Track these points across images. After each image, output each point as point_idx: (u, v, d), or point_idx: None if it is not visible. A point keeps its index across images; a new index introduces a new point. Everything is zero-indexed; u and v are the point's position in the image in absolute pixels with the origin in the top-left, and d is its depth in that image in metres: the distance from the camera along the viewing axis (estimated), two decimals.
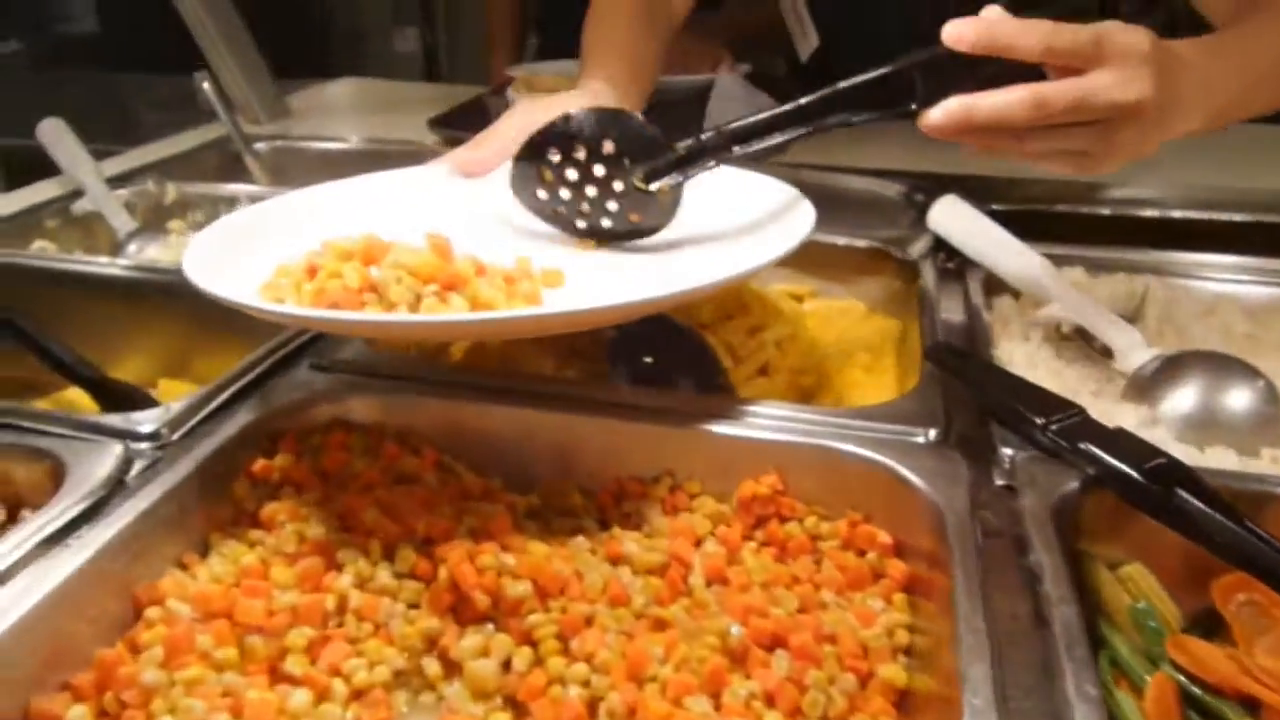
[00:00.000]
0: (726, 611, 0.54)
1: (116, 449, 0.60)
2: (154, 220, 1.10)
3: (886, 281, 0.92)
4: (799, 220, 0.73)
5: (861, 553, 0.59)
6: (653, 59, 1.00)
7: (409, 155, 1.34)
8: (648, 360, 0.78)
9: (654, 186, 0.73)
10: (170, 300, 0.88)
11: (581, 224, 0.76)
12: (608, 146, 0.73)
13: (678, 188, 0.73)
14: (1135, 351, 0.75)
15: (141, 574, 0.55)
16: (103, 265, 0.91)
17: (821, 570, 0.58)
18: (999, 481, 0.58)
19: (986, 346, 0.74)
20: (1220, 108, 0.68)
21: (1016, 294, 0.87)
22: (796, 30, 1.53)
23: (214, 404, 0.67)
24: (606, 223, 0.75)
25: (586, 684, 0.51)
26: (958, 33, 0.58)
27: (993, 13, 0.60)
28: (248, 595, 0.54)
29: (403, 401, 0.68)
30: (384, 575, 0.57)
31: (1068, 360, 0.80)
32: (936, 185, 1.04)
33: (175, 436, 0.63)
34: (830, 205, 1.02)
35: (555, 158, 0.75)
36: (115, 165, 1.25)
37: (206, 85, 1.31)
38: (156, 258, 1.02)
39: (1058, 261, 0.85)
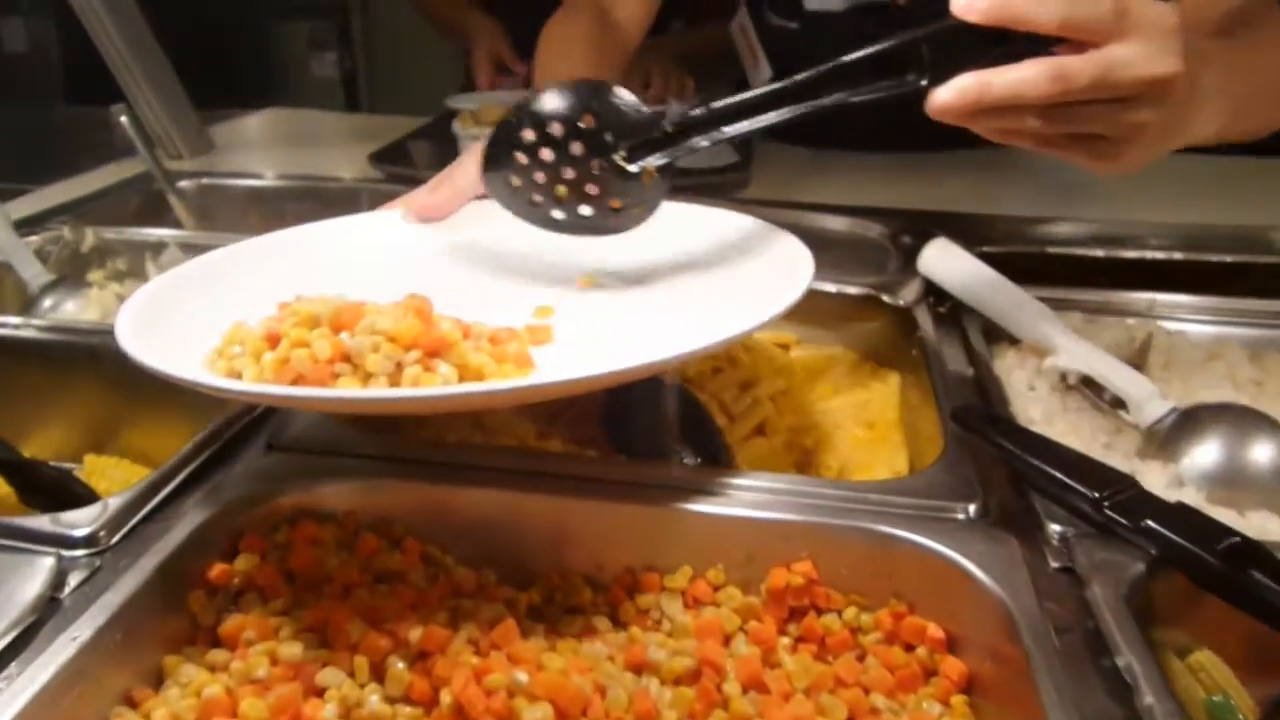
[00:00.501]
0: None
1: (46, 562, 0.51)
2: (71, 270, 0.99)
3: (878, 328, 0.87)
4: (799, 268, 0.67)
5: (909, 647, 0.54)
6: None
7: (348, 194, 1.26)
8: (641, 424, 0.72)
9: (636, 167, 0.66)
10: (95, 364, 0.79)
11: (558, 214, 0.69)
12: (586, 120, 0.66)
13: (664, 173, 0.67)
14: (1151, 404, 0.72)
15: (81, 716, 0.46)
16: (14, 325, 0.80)
17: (867, 670, 0.52)
18: (1054, 564, 0.53)
19: (1004, 404, 0.70)
20: (1238, 107, 0.65)
21: (1014, 340, 0.83)
22: (749, 60, 1.50)
23: (158, 497, 0.58)
24: (586, 210, 0.68)
25: None
26: (968, 2, 0.53)
27: None
28: None
29: (377, 485, 0.60)
30: (374, 700, 0.49)
31: (1074, 411, 0.77)
32: (915, 224, 1.01)
33: (115, 540, 0.54)
34: (808, 247, 0.99)
35: (529, 136, 0.67)
36: (22, 207, 1.13)
37: (124, 119, 1.21)
38: (76, 314, 0.92)
39: (1054, 306, 0.82)
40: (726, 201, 1.14)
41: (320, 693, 0.49)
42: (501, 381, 0.57)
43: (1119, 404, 0.75)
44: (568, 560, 0.59)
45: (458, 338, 0.58)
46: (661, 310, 0.70)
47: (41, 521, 0.55)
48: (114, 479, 0.75)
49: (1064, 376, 0.79)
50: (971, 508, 0.57)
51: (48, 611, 0.49)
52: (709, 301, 0.69)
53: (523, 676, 0.49)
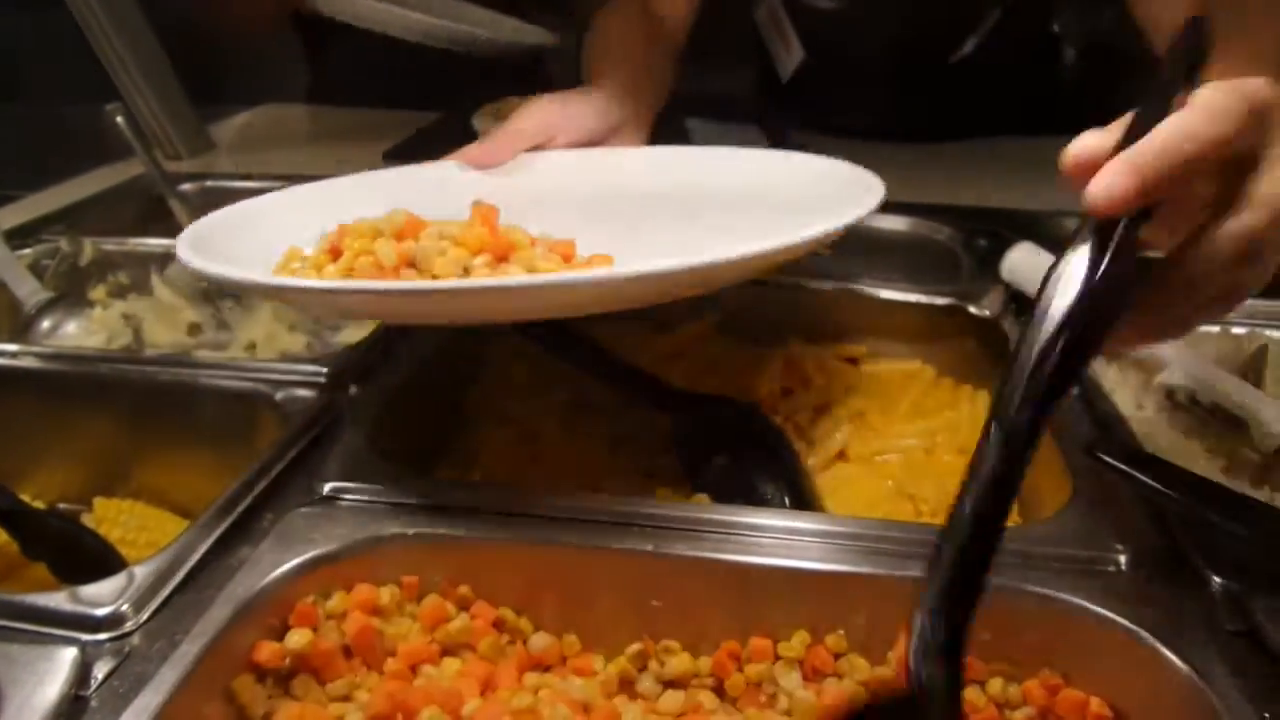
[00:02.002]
0: None
1: (67, 654, 0.43)
2: (69, 286, 0.91)
3: (958, 342, 0.80)
4: (869, 187, 0.62)
5: None
6: (659, 68, 0.91)
7: None
8: (718, 456, 0.65)
9: None
10: (103, 396, 0.71)
11: None
12: None
13: None
14: (1277, 425, 0.66)
15: None
16: (11, 354, 0.72)
17: None
18: (1228, 626, 0.46)
19: (1128, 432, 0.63)
20: None
21: (1112, 354, 0.76)
22: (777, 44, 1.42)
23: (191, 561, 0.50)
24: None
25: None
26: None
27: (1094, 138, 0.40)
28: None
29: (441, 539, 0.53)
30: None
31: (1184, 433, 0.70)
32: (983, 224, 0.94)
33: (144, 618, 0.47)
34: (869, 251, 0.92)
35: None
36: (10, 216, 1.05)
37: (120, 119, 1.12)
38: (78, 336, 0.84)
39: None
40: None
41: None
42: (584, 272, 0.51)
43: (1235, 423, 0.68)
44: (661, 624, 0.52)
45: (526, 242, 0.54)
46: (725, 234, 0.63)
47: (57, 599, 0.47)
48: (128, 526, 0.67)
49: (1171, 394, 0.72)
50: (1122, 559, 0.50)
51: (72, 714, 0.41)
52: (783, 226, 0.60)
53: None
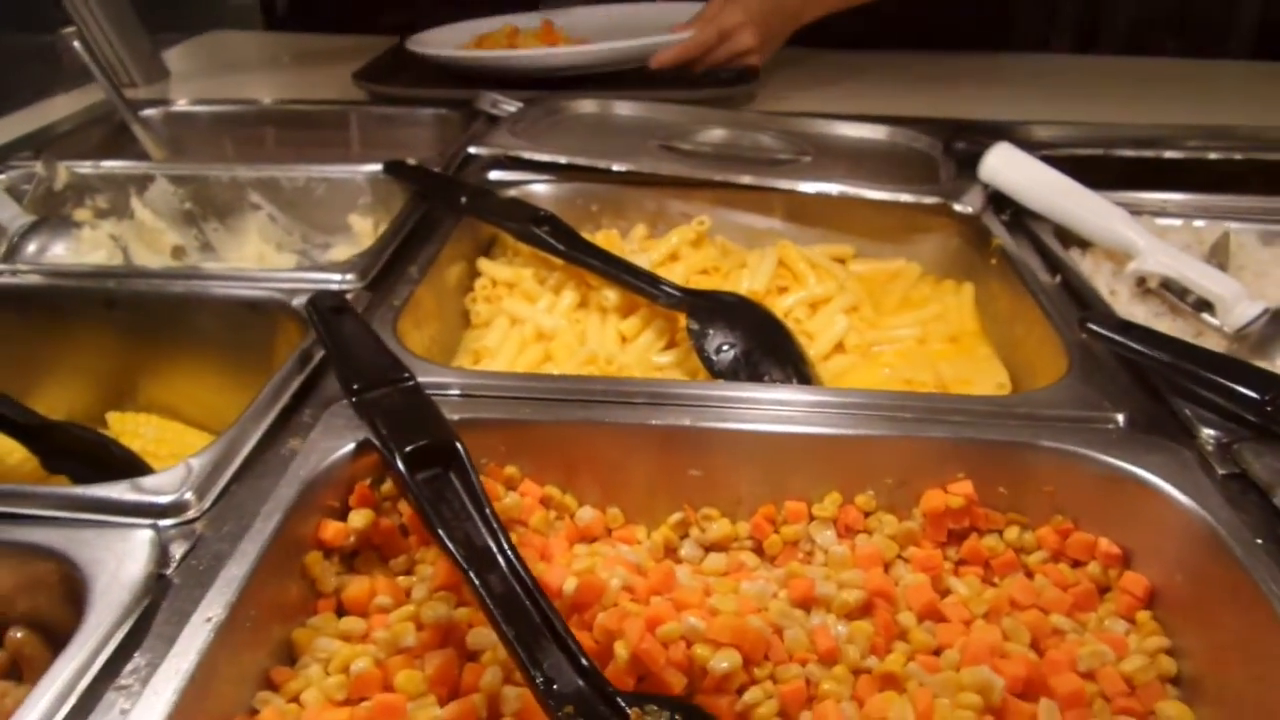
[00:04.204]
0: (962, 655, 0.45)
1: (144, 535, 0.44)
2: (47, 210, 0.89)
3: (943, 240, 0.84)
4: None
5: (1075, 564, 0.51)
6: None
7: (333, 116, 1.17)
8: (728, 346, 0.68)
9: None
10: (110, 311, 0.70)
11: None
12: None
13: None
14: (1240, 306, 0.70)
15: (227, 706, 0.41)
16: (10, 272, 0.71)
17: (1040, 591, 0.50)
18: (1220, 470, 0.51)
19: (1105, 309, 0.67)
20: None
21: (1084, 245, 0.80)
22: None
23: (242, 454, 0.52)
24: None
25: None
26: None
27: None
28: (388, 718, 0.40)
29: (484, 424, 0.55)
30: None
31: (1155, 316, 0.75)
32: (952, 131, 0.97)
33: (207, 504, 0.48)
34: (851, 159, 0.94)
35: None
36: None
37: (77, 44, 1.08)
38: (68, 257, 0.82)
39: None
40: (747, 112, 1.09)
41: (475, 655, 0.45)
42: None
43: (1202, 306, 0.73)
44: (699, 494, 0.55)
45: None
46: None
47: (120, 490, 0.48)
48: (148, 438, 0.68)
49: (1142, 280, 0.77)
50: (1120, 417, 0.55)
51: (157, 590, 0.43)
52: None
53: (698, 623, 0.45)
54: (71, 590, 0.43)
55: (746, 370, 0.66)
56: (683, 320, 0.73)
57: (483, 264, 0.81)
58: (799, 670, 0.45)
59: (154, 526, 0.45)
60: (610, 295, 0.75)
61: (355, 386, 0.52)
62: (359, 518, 0.49)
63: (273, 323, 0.68)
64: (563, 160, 0.87)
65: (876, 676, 0.45)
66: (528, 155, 0.87)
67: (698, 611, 0.46)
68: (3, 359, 0.71)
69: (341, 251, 0.92)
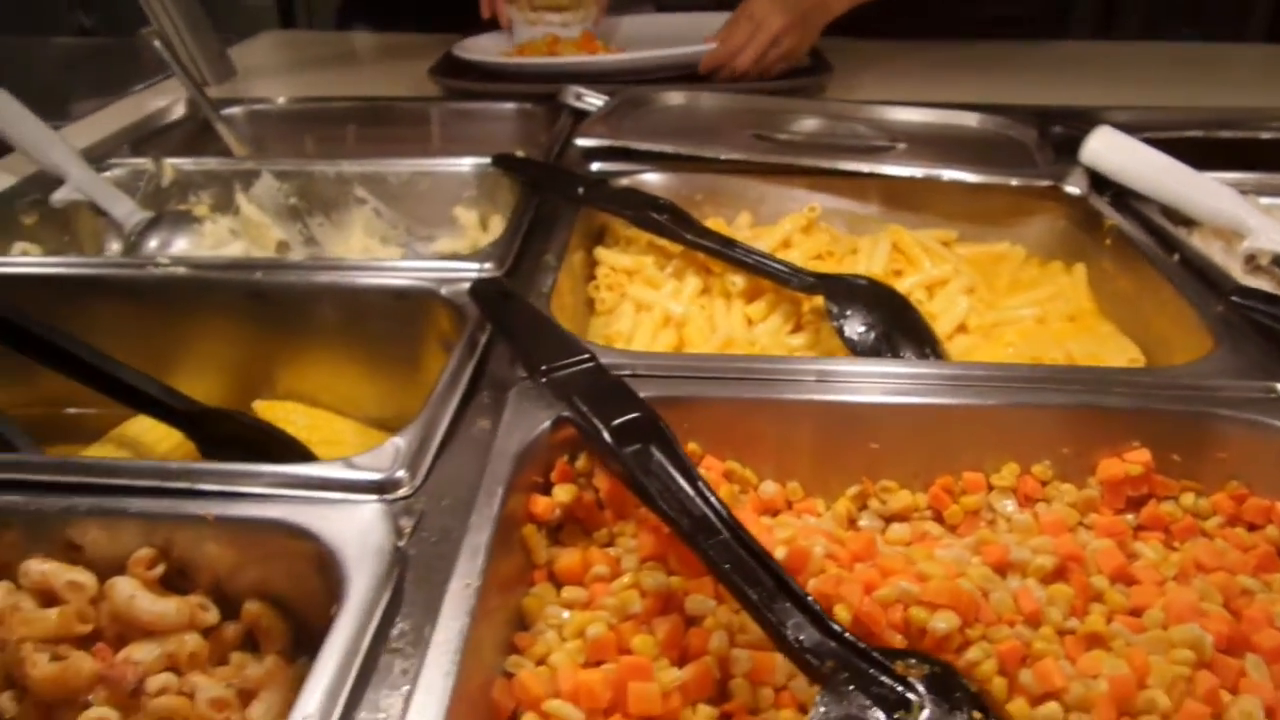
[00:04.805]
0: (1166, 614, 0.47)
1: (377, 510, 0.46)
2: (155, 207, 0.90)
3: (1048, 222, 0.86)
4: None
5: (1250, 528, 0.53)
6: None
7: (414, 113, 1.18)
8: (863, 326, 0.69)
9: None
10: (253, 303, 0.71)
11: None
12: None
13: None
14: None
15: (487, 669, 0.42)
16: (159, 267, 0.72)
17: (1223, 554, 0.51)
18: None
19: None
20: None
21: (1189, 225, 0.82)
22: None
23: (439, 435, 0.53)
24: None
25: None
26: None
27: None
28: (637, 679, 0.42)
29: (661, 402, 0.55)
30: (755, 625, 0.46)
31: None
32: (1041, 118, 0.99)
33: (420, 481, 0.49)
34: (944, 146, 0.96)
35: None
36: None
37: (158, 43, 1.10)
38: (190, 251, 0.83)
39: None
40: (830, 102, 1.11)
41: (696, 620, 0.46)
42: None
43: None
44: (872, 468, 0.56)
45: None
46: None
47: (334, 469, 0.49)
48: (299, 425, 0.69)
49: (1251, 258, 0.79)
50: (1278, 385, 0.56)
51: (405, 567, 0.44)
52: None
53: (911, 586, 0.46)
54: (315, 562, 0.44)
55: (888, 350, 0.67)
56: (808, 304, 0.75)
57: (601, 253, 0.82)
58: (1009, 631, 0.46)
59: (380, 501, 0.47)
60: (737, 280, 0.76)
61: (543, 367, 0.54)
62: (564, 492, 0.51)
63: (419, 310, 0.69)
64: (674, 150, 0.88)
65: (1082, 637, 0.47)
66: (640, 146, 0.89)
67: (907, 575, 0.47)
68: (145, 350, 0.72)
69: (446, 244, 0.93)
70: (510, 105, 1.15)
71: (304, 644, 0.47)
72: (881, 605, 0.46)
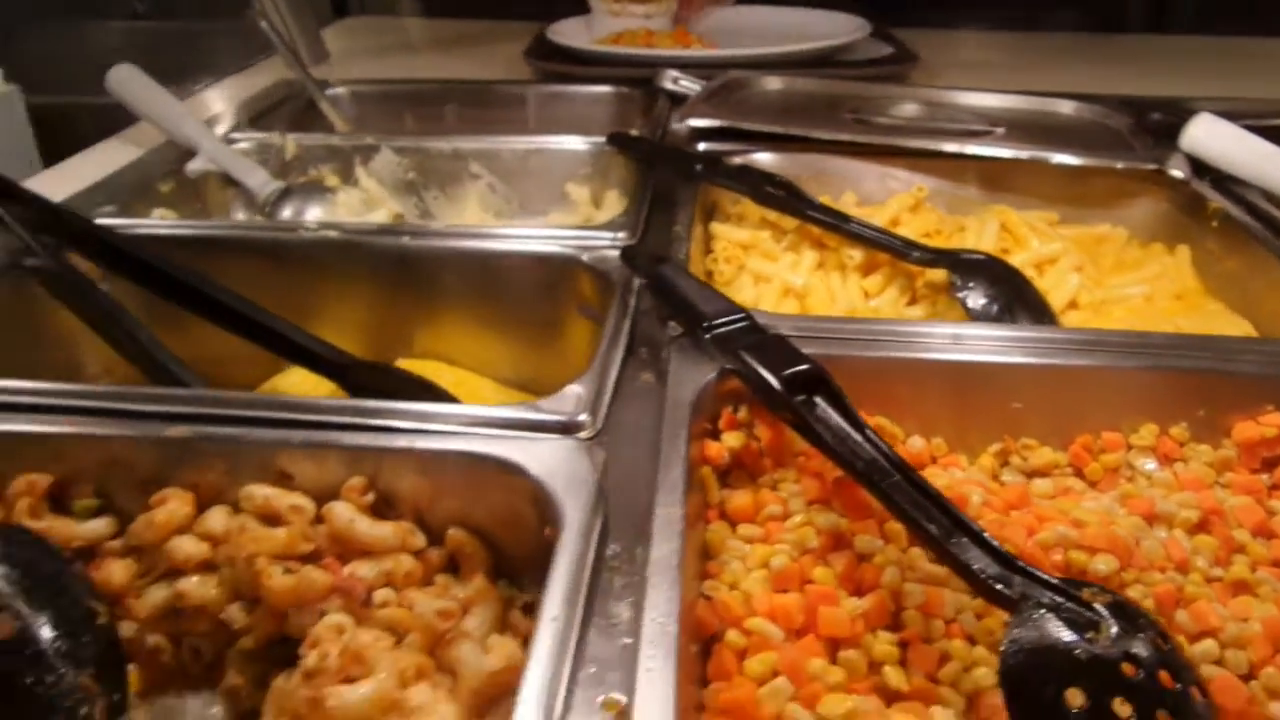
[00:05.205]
0: None
1: (574, 445, 0.49)
2: (282, 178, 0.94)
3: (1150, 205, 0.88)
4: None
5: None
6: None
7: (511, 96, 1.22)
8: (992, 299, 0.72)
9: None
10: (398, 267, 0.75)
11: None
12: None
13: None
14: None
15: (690, 591, 0.45)
16: (309, 231, 0.76)
17: None
18: None
19: None
20: None
21: None
22: None
23: (610, 384, 0.56)
24: None
25: (1219, 663, 0.46)
26: None
27: None
28: (826, 604, 0.45)
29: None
30: (924, 561, 0.49)
31: None
32: (1135, 107, 1.02)
33: (599, 425, 0.53)
34: (1040, 131, 0.99)
35: None
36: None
37: (264, 24, 1.14)
38: (323, 218, 0.87)
39: None
40: (926, 89, 1.13)
41: (867, 557, 0.49)
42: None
43: None
44: (1012, 426, 0.59)
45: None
46: None
47: (522, 410, 0.53)
48: (445, 381, 0.72)
49: None
50: None
51: (607, 502, 0.47)
52: None
53: (1069, 530, 0.49)
54: (525, 494, 0.48)
55: (1006, 321, 0.70)
56: (922, 278, 0.78)
57: (716, 227, 0.85)
58: (1162, 576, 0.49)
59: (580, 443, 0.50)
60: (854, 254, 0.79)
61: (705, 324, 0.57)
62: (733, 438, 0.54)
63: (559, 276, 0.72)
64: (784, 130, 0.91)
65: (1228, 584, 0.49)
66: (753, 127, 0.92)
67: (1064, 522, 0.50)
68: (291, 310, 0.75)
69: (558, 219, 0.97)
70: (605, 88, 1.18)
71: (501, 569, 0.50)
72: (1042, 548, 0.49)
